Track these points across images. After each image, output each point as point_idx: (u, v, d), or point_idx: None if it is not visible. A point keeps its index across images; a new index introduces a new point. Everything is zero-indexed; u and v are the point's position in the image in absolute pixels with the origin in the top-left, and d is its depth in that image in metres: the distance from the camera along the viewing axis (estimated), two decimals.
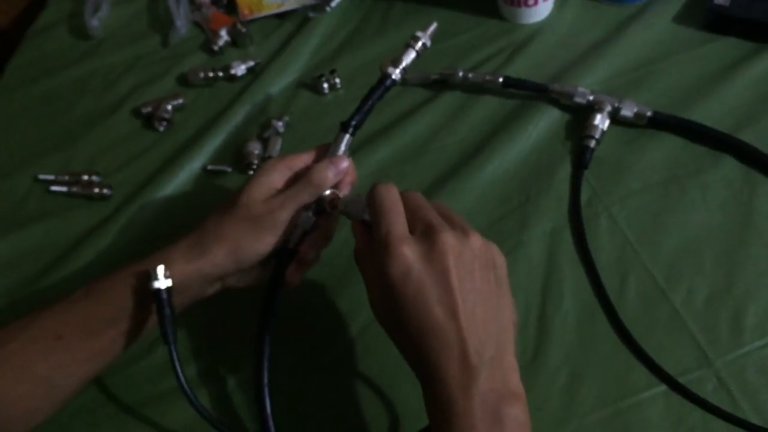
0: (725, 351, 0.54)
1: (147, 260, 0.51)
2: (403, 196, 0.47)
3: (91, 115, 0.83)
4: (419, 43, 0.58)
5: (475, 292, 0.42)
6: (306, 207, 0.53)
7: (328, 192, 0.53)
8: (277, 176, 0.54)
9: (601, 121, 0.68)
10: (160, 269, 0.49)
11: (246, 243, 0.51)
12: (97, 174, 0.75)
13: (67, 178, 0.76)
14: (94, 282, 0.51)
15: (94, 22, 0.91)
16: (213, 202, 0.70)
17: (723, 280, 0.58)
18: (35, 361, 0.48)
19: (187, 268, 0.50)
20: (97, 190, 0.73)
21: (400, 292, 0.42)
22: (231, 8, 0.90)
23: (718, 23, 0.76)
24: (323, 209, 0.54)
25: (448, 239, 0.43)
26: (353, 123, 0.56)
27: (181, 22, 0.88)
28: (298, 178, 0.54)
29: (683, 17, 0.79)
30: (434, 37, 0.83)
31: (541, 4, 0.79)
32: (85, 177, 0.75)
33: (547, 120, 0.71)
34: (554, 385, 0.54)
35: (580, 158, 0.67)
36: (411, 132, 0.73)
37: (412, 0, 0.86)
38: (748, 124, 0.68)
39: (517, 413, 0.40)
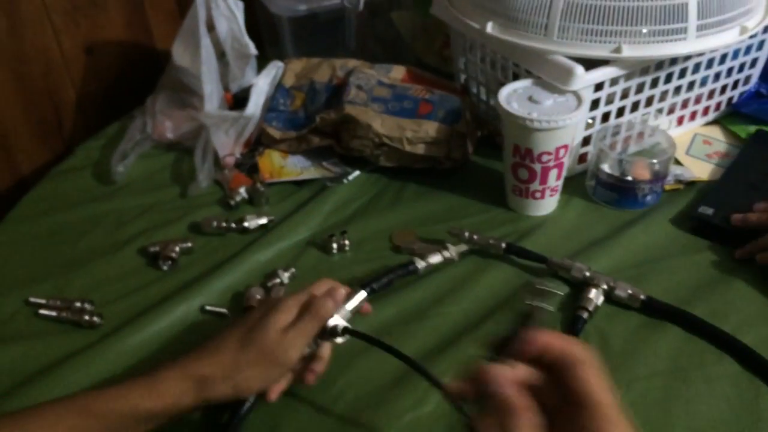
0: None
1: (154, 393, 0.52)
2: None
3: (96, 250, 0.83)
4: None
5: None
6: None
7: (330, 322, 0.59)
8: (291, 315, 0.58)
9: (596, 296, 0.70)
10: None
11: (255, 382, 0.55)
12: (91, 302, 0.74)
13: (58, 303, 0.74)
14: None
15: (120, 168, 0.94)
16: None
17: None
18: None
19: (195, 403, 0.53)
20: (87, 317, 0.72)
21: None
22: (253, 171, 0.94)
23: (702, 229, 0.81)
24: (325, 335, 0.59)
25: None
26: (374, 286, 0.70)
27: (203, 177, 0.92)
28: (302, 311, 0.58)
29: (679, 222, 0.83)
30: (445, 217, 0.86)
31: (547, 198, 0.84)
32: (78, 304, 0.73)
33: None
34: None
35: (572, 328, 0.68)
36: (418, 297, 0.74)
37: (425, 183, 0.92)
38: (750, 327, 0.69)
39: None
